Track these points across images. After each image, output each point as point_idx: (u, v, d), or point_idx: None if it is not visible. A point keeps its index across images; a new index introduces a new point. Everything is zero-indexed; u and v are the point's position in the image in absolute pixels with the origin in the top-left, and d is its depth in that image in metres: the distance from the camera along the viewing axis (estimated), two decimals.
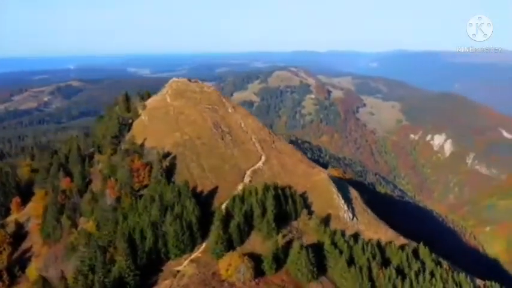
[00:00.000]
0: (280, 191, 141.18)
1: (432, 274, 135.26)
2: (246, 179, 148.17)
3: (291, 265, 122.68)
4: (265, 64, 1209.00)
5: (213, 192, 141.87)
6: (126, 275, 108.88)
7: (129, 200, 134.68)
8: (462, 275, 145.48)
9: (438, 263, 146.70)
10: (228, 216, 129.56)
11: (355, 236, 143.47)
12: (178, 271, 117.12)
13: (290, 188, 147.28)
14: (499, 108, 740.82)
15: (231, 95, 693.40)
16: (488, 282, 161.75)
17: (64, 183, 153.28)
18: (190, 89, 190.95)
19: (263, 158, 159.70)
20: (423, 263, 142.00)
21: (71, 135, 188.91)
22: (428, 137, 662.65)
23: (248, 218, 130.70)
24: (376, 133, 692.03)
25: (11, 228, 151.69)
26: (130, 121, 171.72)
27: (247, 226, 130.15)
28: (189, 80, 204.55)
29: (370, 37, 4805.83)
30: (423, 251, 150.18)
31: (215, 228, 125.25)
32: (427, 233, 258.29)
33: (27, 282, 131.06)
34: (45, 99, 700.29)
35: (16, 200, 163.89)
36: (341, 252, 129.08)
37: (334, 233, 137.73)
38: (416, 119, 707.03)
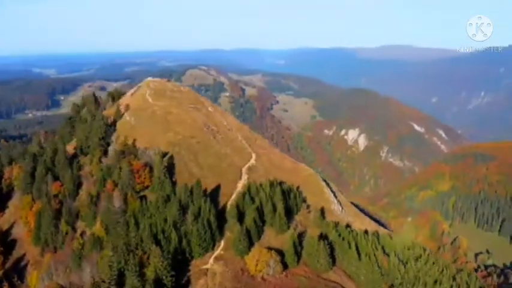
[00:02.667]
0: (283, 187, 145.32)
1: (426, 260, 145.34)
2: (244, 176, 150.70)
3: (309, 257, 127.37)
4: (173, 63, 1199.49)
5: (216, 190, 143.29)
6: (164, 277, 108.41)
7: (136, 202, 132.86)
8: (446, 260, 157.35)
9: (424, 250, 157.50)
10: (239, 213, 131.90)
11: (349, 227, 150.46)
12: (207, 269, 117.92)
13: (285, 183, 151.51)
14: (404, 101, 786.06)
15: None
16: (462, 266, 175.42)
17: (54, 187, 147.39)
18: (168, 89, 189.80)
19: (253, 155, 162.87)
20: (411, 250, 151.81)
21: (54, 138, 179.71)
22: (343, 132, 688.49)
23: (260, 213, 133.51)
24: (291, 129, 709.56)
25: None
26: (111, 122, 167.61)
27: (261, 222, 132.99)
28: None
29: (275, 35, 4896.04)
30: (405, 239, 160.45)
31: (232, 225, 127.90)
32: None
33: None
34: None
35: None
36: (349, 243, 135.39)
37: (336, 225, 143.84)
38: (330, 114, 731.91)
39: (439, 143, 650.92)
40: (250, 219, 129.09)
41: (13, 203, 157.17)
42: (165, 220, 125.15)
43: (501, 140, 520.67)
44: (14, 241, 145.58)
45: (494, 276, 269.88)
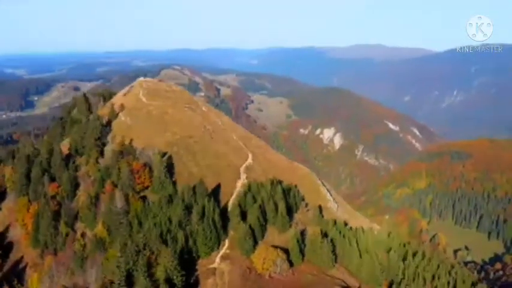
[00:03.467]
0: (282, 186, 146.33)
1: (422, 256, 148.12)
2: (242, 176, 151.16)
3: (312, 254, 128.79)
4: (146, 63, 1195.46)
5: (217, 189, 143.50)
6: (175, 276, 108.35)
7: (138, 203, 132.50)
8: (440, 254, 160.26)
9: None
10: (241, 212, 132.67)
11: (347, 225, 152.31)
12: (214, 268, 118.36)
13: (283, 182, 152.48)
14: (377, 100, 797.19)
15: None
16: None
17: (51, 188, 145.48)
18: (161, 89, 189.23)
19: (250, 155, 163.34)
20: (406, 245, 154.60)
21: (43, 138, 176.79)
22: (318, 131, 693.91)
23: (262, 212, 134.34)
24: (266, 129, 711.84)
25: None
26: (106, 122, 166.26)
27: (263, 220, 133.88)
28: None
29: (247, 34, 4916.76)
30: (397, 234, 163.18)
31: (235, 224, 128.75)
32: None
33: None
34: None
35: None
36: (349, 240, 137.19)
37: (335, 222, 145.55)
38: (305, 113, 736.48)
39: (413, 141, 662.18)
40: (254, 218, 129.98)
41: (6, 205, 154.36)
42: (169, 220, 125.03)
43: (474, 138, 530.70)
44: (11, 244, 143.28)
45: (475, 272, 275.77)
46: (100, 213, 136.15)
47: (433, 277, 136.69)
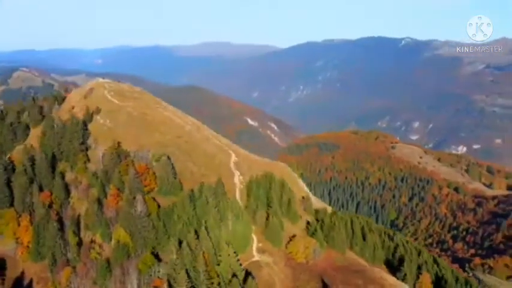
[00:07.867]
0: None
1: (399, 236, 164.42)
2: (236, 173, 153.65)
3: (331, 240, 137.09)
4: None
5: (221, 187, 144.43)
6: (238, 272, 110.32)
7: (155, 205, 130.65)
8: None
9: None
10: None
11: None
12: (257, 261, 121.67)
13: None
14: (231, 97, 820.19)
15: None
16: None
17: (43, 198, 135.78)
18: (125, 90, 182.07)
19: (232, 152, 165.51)
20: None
21: (25, 146, 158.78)
22: None
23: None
24: None
25: None
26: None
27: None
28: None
29: (89, 34, 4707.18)
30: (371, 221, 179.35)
31: (257, 219, 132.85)
32: None
33: None
34: None
35: None
36: (352, 226, 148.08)
37: (334, 212, 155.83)
38: None
39: (272, 135, 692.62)
40: (274, 211, 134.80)
41: None
42: (198, 219, 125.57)
43: (324, 130, 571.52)
44: (2, 260, 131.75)
45: None
46: (108, 219, 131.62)
47: (419, 252, 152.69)
